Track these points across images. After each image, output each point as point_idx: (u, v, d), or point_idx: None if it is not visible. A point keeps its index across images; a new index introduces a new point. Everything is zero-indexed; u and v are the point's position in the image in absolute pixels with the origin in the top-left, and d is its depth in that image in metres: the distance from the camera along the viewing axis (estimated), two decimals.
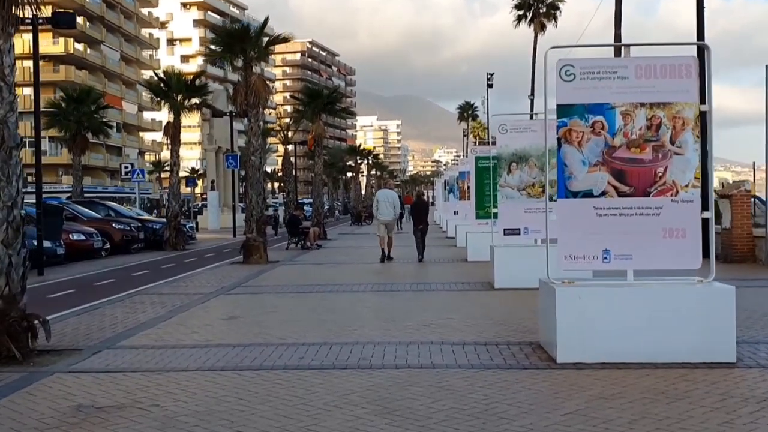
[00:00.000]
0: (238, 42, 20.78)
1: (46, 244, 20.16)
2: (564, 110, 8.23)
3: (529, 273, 13.95)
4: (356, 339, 9.27)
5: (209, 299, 13.41)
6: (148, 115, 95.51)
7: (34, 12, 9.92)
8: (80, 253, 23.42)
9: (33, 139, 20.41)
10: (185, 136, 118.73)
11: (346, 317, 11.04)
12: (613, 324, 7.76)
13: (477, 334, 9.51)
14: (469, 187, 26.24)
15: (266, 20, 21.28)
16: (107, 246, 25.37)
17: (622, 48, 8.32)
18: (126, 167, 43.77)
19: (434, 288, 14.49)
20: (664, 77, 8.17)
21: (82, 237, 23.64)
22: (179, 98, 27.50)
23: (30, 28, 17.75)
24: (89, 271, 20.24)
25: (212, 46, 21.58)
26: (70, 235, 23.09)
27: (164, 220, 28.56)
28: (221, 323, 10.82)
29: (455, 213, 31.54)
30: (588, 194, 8.21)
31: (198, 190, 77.47)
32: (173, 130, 27.45)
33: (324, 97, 34.45)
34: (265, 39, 21.50)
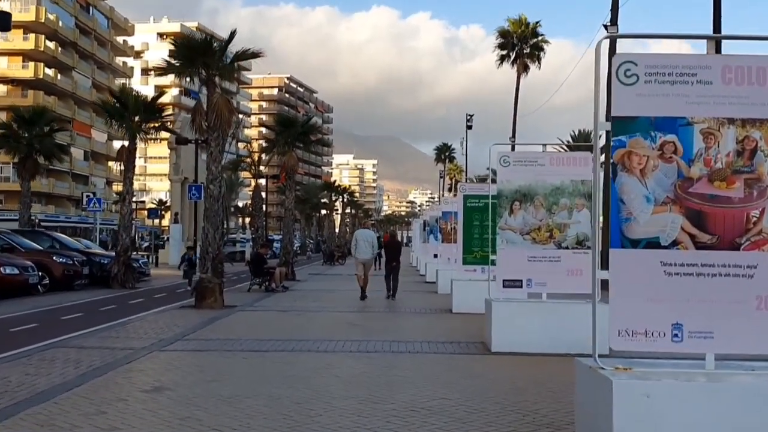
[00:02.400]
0: (200, 56, 18.26)
1: None
2: (622, 125, 5.85)
3: (536, 334, 11.58)
4: None
5: (138, 357, 10.73)
6: (118, 144, 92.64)
7: None
8: (13, 289, 20.62)
9: None
10: (155, 167, 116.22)
11: (310, 392, 8.44)
12: None
13: (484, 427, 7.00)
14: (453, 229, 23.96)
15: (233, 33, 18.83)
16: (46, 281, 22.58)
17: (706, 44, 5.95)
18: (87, 196, 40.97)
19: (419, 349, 11.93)
20: (762, 84, 5.83)
21: (16, 271, 20.84)
22: (136, 120, 24.88)
23: None
24: (15, 311, 17.45)
25: (170, 60, 19.03)
26: (1, 269, 20.32)
27: (113, 254, 25.75)
28: (141, 398, 8.15)
29: (435, 256, 29.19)
30: (653, 244, 5.81)
31: (165, 222, 74.57)
32: (127, 155, 24.78)
33: (298, 125, 32.01)
34: (232, 54, 19.04)
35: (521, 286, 12.30)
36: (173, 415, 7.31)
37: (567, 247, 12.08)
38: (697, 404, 5.37)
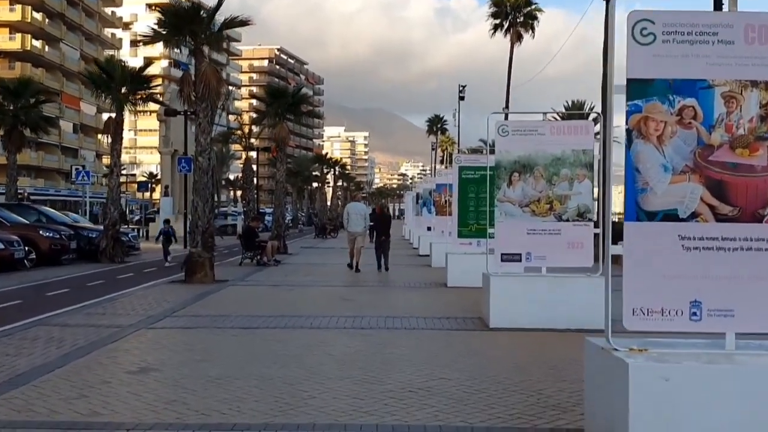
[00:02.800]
0: (187, 24, 17.70)
1: None
2: (638, 88, 5.43)
3: (536, 310, 11.26)
4: (313, 417, 6.35)
5: (125, 335, 10.35)
6: (107, 117, 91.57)
7: None
8: None
9: None
10: (146, 139, 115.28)
11: (302, 372, 8.08)
12: (718, 422, 4.94)
13: (487, 410, 6.64)
14: (447, 201, 23.57)
15: (221, 0, 18.27)
16: (33, 256, 22.13)
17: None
18: (77, 169, 40.37)
19: (415, 325, 11.57)
20: None
21: (1, 245, 20.35)
22: (123, 90, 24.29)
23: None
24: None
25: (157, 28, 18.41)
26: None
27: (101, 227, 25.27)
28: (125, 379, 7.77)
29: (429, 229, 28.79)
30: (671, 216, 5.42)
31: (156, 195, 74.01)
32: (115, 127, 24.24)
33: (289, 96, 31.43)
34: (220, 23, 18.45)
35: (520, 260, 11.93)
36: (159, 399, 6.92)
37: (567, 220, 11.71)
38: (718, 387, 5.01)
